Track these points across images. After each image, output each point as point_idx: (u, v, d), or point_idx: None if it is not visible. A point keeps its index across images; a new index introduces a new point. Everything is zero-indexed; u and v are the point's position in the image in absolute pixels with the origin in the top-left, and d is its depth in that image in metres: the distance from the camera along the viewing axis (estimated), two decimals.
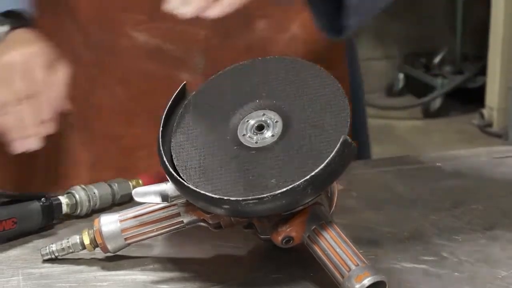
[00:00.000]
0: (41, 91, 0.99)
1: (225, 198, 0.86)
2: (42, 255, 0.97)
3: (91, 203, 1.09)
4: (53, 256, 0.97)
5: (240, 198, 0.86)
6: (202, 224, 0.95)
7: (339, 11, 0.99)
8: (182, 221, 0.95)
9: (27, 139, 0.98)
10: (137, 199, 0.94)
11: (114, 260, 0.97)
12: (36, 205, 1.03)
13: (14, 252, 1.00)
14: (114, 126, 1.19)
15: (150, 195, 0.94)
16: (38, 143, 1.00)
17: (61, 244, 0.97)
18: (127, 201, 1.13)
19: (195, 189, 0.88)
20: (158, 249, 1.00)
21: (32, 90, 0.98)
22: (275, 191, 0.85)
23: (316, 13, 1.03)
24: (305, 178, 0.85)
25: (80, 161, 1.21)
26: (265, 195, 0.85)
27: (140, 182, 1.14)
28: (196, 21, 0.90)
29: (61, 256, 0.97)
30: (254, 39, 1.11)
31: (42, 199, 1.04)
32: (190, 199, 0.90)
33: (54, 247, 0.97)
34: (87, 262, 0.98)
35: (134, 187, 1.13)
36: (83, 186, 1.09)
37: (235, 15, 0.94)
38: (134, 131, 1.19)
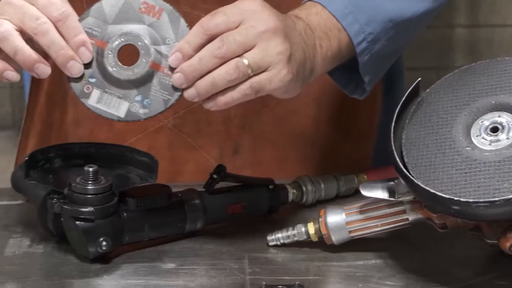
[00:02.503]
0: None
1: (455, 199, 0.85)
2: (268, 241, 1.00)
3: (316, 194, 1.10)
4: (278, 243, 1.00)
5: (471, 200, 0.84)
6: (427, 223, 0.94)
7: (352, 76, 1.04)
8: (407, 218, 0.95)
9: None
10: (364, 193, 0.94)
11: (337, 251, 0.98)
12: (264, 191, 1.06)
13: (242, 236, 1.03)
14: None
15: (377, 190, 0.94)
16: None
17: (287, 231, 0.99)
18: (350, 194, 1.14)
19: (424, 187, 0.87)
20: (381, 245, 1.00)
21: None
22: (508, 195, 0.83)
23: (338, 82, 1.06)
24: None
25: None
26: (497, 199, 0.83)
27: (365, 177, 1.14)
28: None
29: (286, 243, 1.00)
30: None
31: (270, 186, 1.06)
32: (418, 197, 0.90)
33: (279, 233, 1.00)
34: (310, 252, 0.99)
35: (359, 181, 1.13)
36: (310, 177, 1.11)
37: None
38: None
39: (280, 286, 0.86)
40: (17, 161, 1.28)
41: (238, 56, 0.87)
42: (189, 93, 0.89)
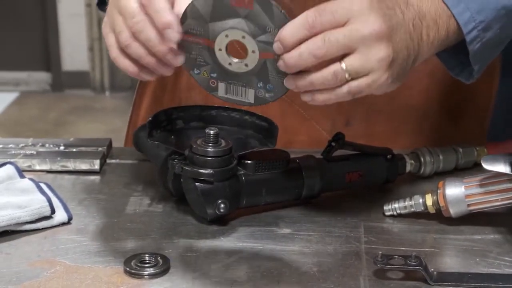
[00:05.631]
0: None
1: None
2: (384, 211, 1.00)
3: (435, 166, 1.09)
4: (394, 213, 0.99)
5: None
6: None
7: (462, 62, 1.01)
8: None
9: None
10: (485, 166, 0.93)
11: (454, 224, 0.97)
12: (381, 160, 1.05)
13: (358, 205, 1.03)
14: None
15: (499, 164, 0.92)
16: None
17: (404, 202, 0.99)
18: (469, 167, 1.12)
19: None
20: (499, 220, 0.98)
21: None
22: None
23: (447, 65, 1.03)
24: None
25: None
26: None
27: (485, 150, 1.12)
28: None
29: (403, 213, 0.99)
30: None
31: (388, 155, 1.06)
32: None
33: (396, 204, 0.99)
34: (427, 223, 0.98)
35: (478, 154, 1.11)
36: (429, 148, 1.09)
37: None
38: None
39: (396, 257, 0.86)
40: (131, 121, 1.31)
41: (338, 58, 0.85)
42: (288, 83, 0.88)
